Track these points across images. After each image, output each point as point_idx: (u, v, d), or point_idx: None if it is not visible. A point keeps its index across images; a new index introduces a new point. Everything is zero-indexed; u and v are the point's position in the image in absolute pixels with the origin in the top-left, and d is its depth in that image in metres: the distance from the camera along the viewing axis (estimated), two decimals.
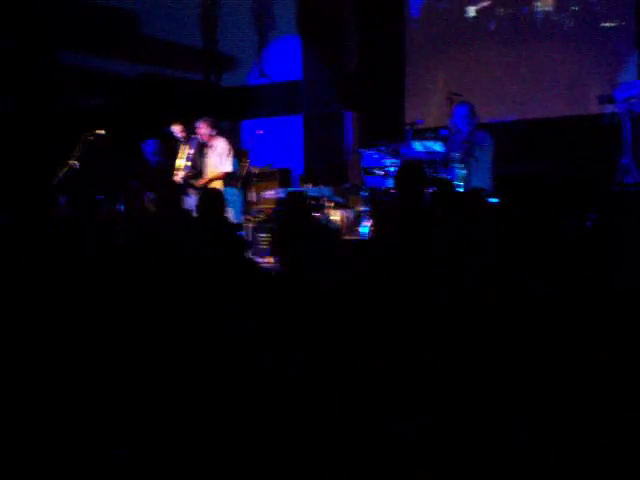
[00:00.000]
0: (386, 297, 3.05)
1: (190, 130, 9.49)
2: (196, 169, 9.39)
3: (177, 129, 9.55)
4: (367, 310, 2.99)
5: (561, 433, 2.55)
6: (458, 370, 2.76)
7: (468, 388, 2.71)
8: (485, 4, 10.93)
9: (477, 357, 2.79)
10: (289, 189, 9.61)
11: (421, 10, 11.49)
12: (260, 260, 8.47)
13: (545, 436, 2.54)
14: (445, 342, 2.86)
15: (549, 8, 10.48)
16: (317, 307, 3.05)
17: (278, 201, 9.66)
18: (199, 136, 9.28)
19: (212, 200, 4.97)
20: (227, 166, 9.26)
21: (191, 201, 8.53)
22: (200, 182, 9.19)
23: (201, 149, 9.41)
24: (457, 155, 7.75)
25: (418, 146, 8.78)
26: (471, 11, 11.04)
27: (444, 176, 7.74)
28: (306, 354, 2.82)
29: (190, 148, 9.38)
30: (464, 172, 7.69)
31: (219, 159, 9.27)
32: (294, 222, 5.19)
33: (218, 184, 9.05)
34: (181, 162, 9.33)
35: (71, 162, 8.91)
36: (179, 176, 9.27)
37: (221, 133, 9.48)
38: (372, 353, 2.81)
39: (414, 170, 6.20)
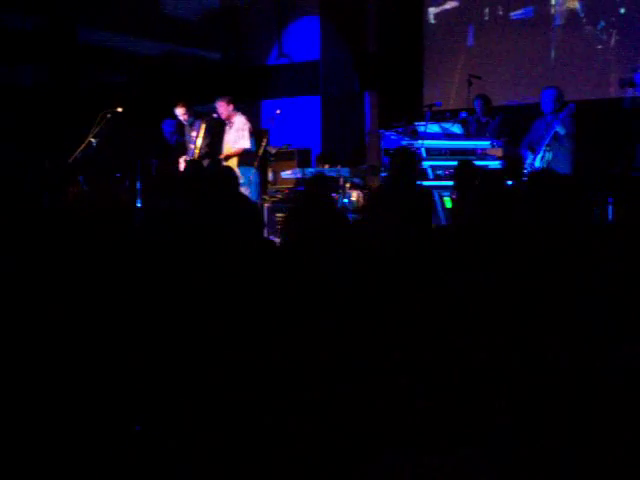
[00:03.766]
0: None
1: (193, 112, 9.43)
2: (201, 151, 9.31)
3: (180, 111, 9.42)
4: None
5: None
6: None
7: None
8: None
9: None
10: (307, 170, 9.57)
11: None
12: (276, 240, 8.46)
13: None
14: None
15: None
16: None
17: (297, 181, 9.64)
18: (220, 115, 9.22)
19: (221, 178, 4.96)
20: (244, 142, 9.12)
21: None
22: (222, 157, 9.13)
23: (211, 130, 9.35)
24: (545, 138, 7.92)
25: (435, 128, 8.75)
26: None
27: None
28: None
29: (193, 130, 9.33)
30: (550, 155, 7.89)
31: (236, 135, 9.20)
32: (311, 205, 5.16)
33: (233, 163, 8.95)
34: (198, 142, 9.28)
35: (89, 139, 8.94)
36: (186, 158, 9.18)
37: (239, 111, 9.43)
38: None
39: (406, 156, 6.29)
